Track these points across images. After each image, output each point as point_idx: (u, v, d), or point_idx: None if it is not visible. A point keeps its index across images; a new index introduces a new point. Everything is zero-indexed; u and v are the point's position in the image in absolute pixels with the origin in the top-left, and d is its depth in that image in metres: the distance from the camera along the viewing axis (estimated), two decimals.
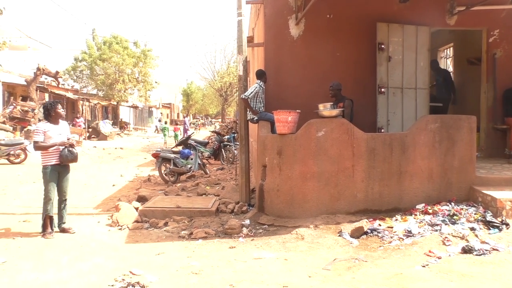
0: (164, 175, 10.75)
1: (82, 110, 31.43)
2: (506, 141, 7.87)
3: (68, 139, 6.14)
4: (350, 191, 6.20)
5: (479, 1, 7.46)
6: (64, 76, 30.16)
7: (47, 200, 5.95)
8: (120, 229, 6.43)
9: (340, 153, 6.18)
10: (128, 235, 6.08)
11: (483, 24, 8.20)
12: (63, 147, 6.03)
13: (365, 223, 5.64)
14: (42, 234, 5.92)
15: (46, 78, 24.86)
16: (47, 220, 5.98)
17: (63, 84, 30.18)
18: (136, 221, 6.67)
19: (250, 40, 10.39)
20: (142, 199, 8.01)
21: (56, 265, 4.77)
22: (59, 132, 6.09)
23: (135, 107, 43.09)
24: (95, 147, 20.90)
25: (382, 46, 7.72)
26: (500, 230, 5.31)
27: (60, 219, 6.22)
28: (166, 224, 6.55)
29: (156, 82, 36.73)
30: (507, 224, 5.40)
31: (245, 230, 5.95)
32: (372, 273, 4.32)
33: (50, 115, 6.10)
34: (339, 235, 5.53)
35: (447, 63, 11.71)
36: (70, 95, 29.50)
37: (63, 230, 6.14)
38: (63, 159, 6.00)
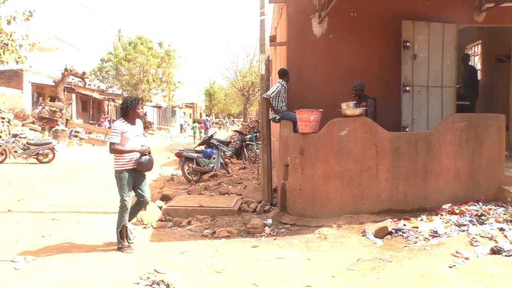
0: (187, 174, 10.84)
1: (108, 110, 32.00)
2: None
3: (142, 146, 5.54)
4: (373, 190, 6.12)
5: None
6: (90, 77, 30.76)
7: (123, 209, 5.34)
8: (145, 227, 6.53)
9: (364, 152, 6.11)
10: (152, 234, 6.16)
11: None
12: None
13: (389, 223, 5.56)
14: (118, 247, 5.31)
15: (73, 79, 25.42)
16: (123, 231, 5.36)
17: (90, 85, 30.81)
18: (160, 220, 6.76)
19: (273, 39, 10.38)
20: (165, 198, 8.11)
21: (82, 263, 4.88)
22: (136, 134, 5.46)
23: (158, 107, 43.60)
24: None
25: (407, 44, 7.60)
26: None
27: (125, 232, 5.45)
28: (189, 223, 6.62)
29: (179, 82, 37.06)
30: None
31: (267, 230, 5.95)
32: (397, 273, 4.25)
33: (128, 113, 5.39)
34: (363, 235, 5.46)
35: (475, 60, 11.43)
36: (96, 95, 30.08)
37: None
38: (142, 167, 5.42)
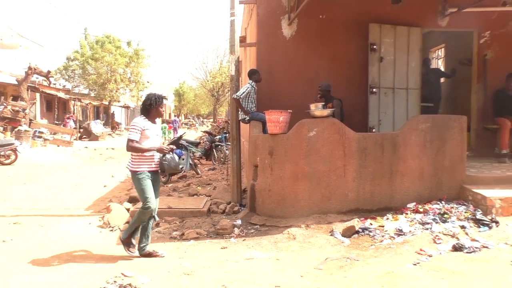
0: None
1: (74, 110, 31.20)
2: (496, 140, 7.93)
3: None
4: (341, 190, 6.21)
5: (470, 3, 7.51)
6: (55, 76, 29.89)
7: (147, 210, 4.90)
8: (112, 230, 6.40)
9: (332, 153, 6.20)
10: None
11: (474, 25, 8.27)
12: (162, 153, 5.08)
13: (356, 222, 5.66)
14: (124, 242, 5.10)
15: (37, 78, 24.64)
16: (135, 230, 5.10)
17: (55, 84, 29.91)
18: (128, 222, 6.64)
19: (243, 40, 10.39)
20: (133, 200, 7.96)
21: (47, 267, 4.73)
22: (156, 133, 5.11)
23: (127, 107, 42.88)
24: (86, 147, 20.74)
25: (374, 46, 7.76)
26: (490, 228, 5.37)
27: (145, 239, 5.11)
28: (157, 225, 6.52)
29: (148, 82, 36.58)
30: (496, 222, 5.45)
31: (236, 231, 5.94)
32: (364, 272, 4.33)
33: (151, 110, 5.03)
34: (331, 235, 5.54)
35: (438, 63, 11.79)
36: (61, 95, 29.26)
37: (148, 254, 5.06)
38: (167, 168, 5.09)
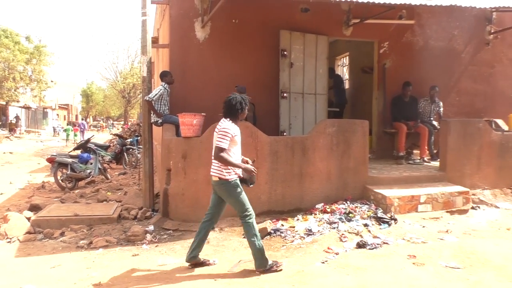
0: (60, 181, 10.04)
1: None
2: (394, 143, 8.62)
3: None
4: (254, 193, 6.28)
5: (371, 15, 8.10)
6: None
7: (252, 218, 4.50)
8: (10, 242, 5.87)
9: (245, 156, 6.26)
10: (19, 248, 5.57)
11: (375, 36, 8.91)
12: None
13: (268, 224, 5.80)
14: (267, 269, 4.43)
15: None
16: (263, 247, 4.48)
17: None
18: (28, 232, 6.14)
19: (155, 40, 10.15)
20: (35, 208, 7.41)
21: None
22: (240, 139, 4.60)
23: (27, 108, 39.72)
24: None
25: (285, 52, 8.02)
26: (390, 225, 5.82)
27: (199, 245, 4.67)
28: (62, 234, 6.13)
29: (52, 81, 34.27)
30: (395, 219, 5.93)
31: (149, 237, 5.78)
32: (276, 272, 4.44)
33: (239, 114, 4.52)
34: (244, 237, 5.60)
35: (343, 71, 12.52)
36: None
37: (201, 263, 4.67)
38: (253, 180, 4.65)
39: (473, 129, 7.37)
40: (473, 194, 7.03)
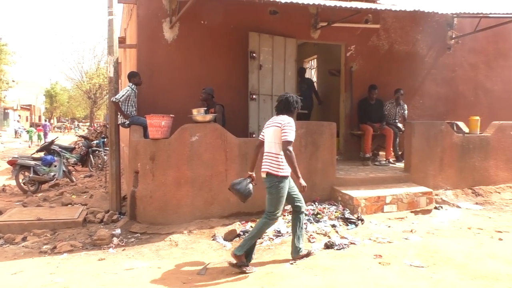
0: (22, 184, 9.72)
1: None
2: (361, 145, 8.78)
3: None
4: (223, 195, 6.29)
5: (339, 19, 8.24)
6: None
7: (275, 221, 4.58)
8: None
9: (214, 157, 6.26)
10: None
11: (342, 39, 9.06)
12: None
13: (237, 226, 5.80)
14: (239, 265, 4.42)
15: None
16: (253, 246, 4.62)
17: None
18: None
19: (122, 40, 9.98)
20: None
21: None
22: None
23: None
24: None
25: (254, 54, 8.04)
26: (356, 225, 5.92)
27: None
28: (24, 239, 5.93)
29: (13, 81, 33.11)
30: (362, 220, 6.04)
31: (115, 240, 5.67)
32: (245, 274, 4.44)
33: (294, 111, 4.64)
34: (213, 239, 5.59)
35: (311, 73, 12.66)
36: None
37: (307, 254, 4.78)
38: (249, 195, 4.78)
39: (436, 131, 7.59)
40: (436, 195, 7.25)
